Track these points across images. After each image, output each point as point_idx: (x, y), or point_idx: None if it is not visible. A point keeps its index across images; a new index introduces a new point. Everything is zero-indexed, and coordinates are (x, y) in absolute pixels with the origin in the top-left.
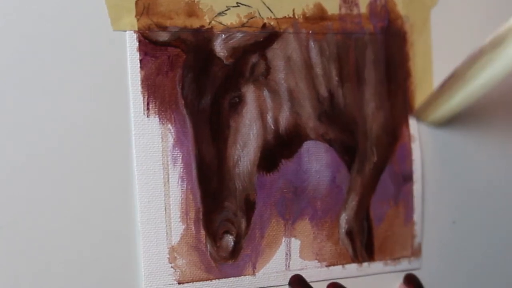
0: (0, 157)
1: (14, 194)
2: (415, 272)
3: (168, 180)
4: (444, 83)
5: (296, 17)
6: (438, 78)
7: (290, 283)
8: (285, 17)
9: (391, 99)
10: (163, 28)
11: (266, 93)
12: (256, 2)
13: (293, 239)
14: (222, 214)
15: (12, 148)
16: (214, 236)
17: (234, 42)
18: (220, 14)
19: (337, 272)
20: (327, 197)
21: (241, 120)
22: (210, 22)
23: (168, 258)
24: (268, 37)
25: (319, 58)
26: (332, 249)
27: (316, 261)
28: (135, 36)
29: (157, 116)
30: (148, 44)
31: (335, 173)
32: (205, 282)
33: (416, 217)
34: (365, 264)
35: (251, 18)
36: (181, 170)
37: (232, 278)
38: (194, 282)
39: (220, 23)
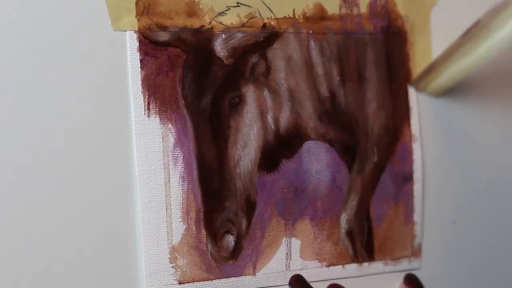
0: (0, 157)
1: (14, 194)
2: (415, 272)
3: (169, 180)
4: (447, 50)
5: (296, 17)
6: None
7: (290, 283)
8: (285, 17)
9: (392, 98)
10: (163, 28)
11: (266, 93)
12: (256, 2)
13: (293, 239)
14: (223, 214)
15: (12, 148)
16: (215, 236)
17: (234, 42)
18: (220, 14)
19: (337, 272)
20: (327, 197)
21: (241, 120)
22: (210, 22)
23: (169, 258)
24: (268, 37)
25: (320, 58)
26: (332, 249)
27: (316, 261)
28: (135, 36)
29: (158, 116)
30: (148, 44)
31: (336, 173)
32: (205, 282)
33: (416, 217)
34: (365, 264)
35: (251, 18)
36: (182, 170)
37: (233, 278)
38: (195, 282)
39: (220, 23)
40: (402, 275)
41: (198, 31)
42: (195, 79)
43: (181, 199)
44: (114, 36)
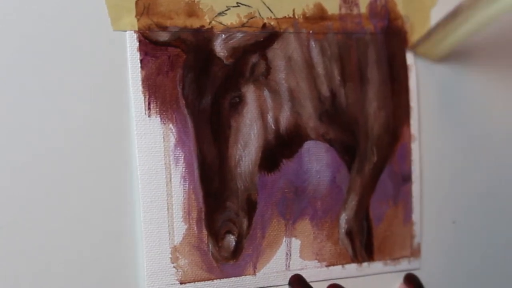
0: (0, 157)
1: (14, 194)
2: (415, 272)
3: (170, 180)
4: (448, 14)
5: (296, 17)
6: None
7: (290, 283)
8: (285, 17)
9: (393, 98)
10: (163, 28)
11: (266, 93)
12: (256, 2)
13: (293, 239)
14: (224, 214)
15: (12, 149)
16: (216, 236)
17: (234, 42)
18: (220, 14)
19: (336, 272)
20: (327, 197)
21: (241, 120)
22: (210, 22)
23: (171, 258)
24: (268, 37)
25: (320, 58)
26: (332, 249)
27: (316, 261)
28: (135, 36)
29: (159, 116)
30: (149, 44)
31: (335, 173)
32: (206, 282)
33: (415, 217)
34: (365, 264)
35: (251, 18)
36: (183, 170)
37: (233, 278)
38: (196, 282)
39: (220, 23)
40: (402, 275)
41: (198, 31)
42: (195, 79)
43: (183, 199)
44: (114, 36)
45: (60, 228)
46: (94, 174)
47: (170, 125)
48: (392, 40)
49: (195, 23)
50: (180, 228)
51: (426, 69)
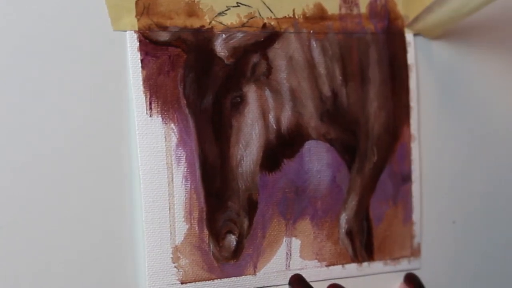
0: (0, 157)
1: (14, 194)
2: (415, 272)
3: (172, 180)
4: None
5: (296, 17)
6: None
7: (290, 283)
8: (285, 17)
9: (393, 98)
10: (164, 28)
11: (267, 92)
12: (256, 2)
13: (293, 238)
14: (225, 214)
15: (14, 149)
16: (217, 236)
17: (234, 42)
18: (220, 14)
19: (337, 272)
20: (328, 197)
21: (243, 120)
22: (210, 22)
23: (172, 258)
24: (269, 36)
25: (322, 58)
26: (332, 249)
27: (316, 260)
28: (135, 36)
29: (160, 115)
30: (149, 44)
31: (336, 172)
32: (207, 282)
33: (415, 217)
34: (365, 264)
35: (251, 18)
36: (185, 170)
37: (234, 278)
38: (197, 282)
39: (221, 23)
40: (402, 275)
41: (198, 31)
42: (196, 78)
43: (184, 199)
44: (114, 36)
45: (61, 228)
46: (96, 174)
47: (172, 124)
48: (392, 40)
49: (195, 23)
50: (181, 228)
51: (426, 68)
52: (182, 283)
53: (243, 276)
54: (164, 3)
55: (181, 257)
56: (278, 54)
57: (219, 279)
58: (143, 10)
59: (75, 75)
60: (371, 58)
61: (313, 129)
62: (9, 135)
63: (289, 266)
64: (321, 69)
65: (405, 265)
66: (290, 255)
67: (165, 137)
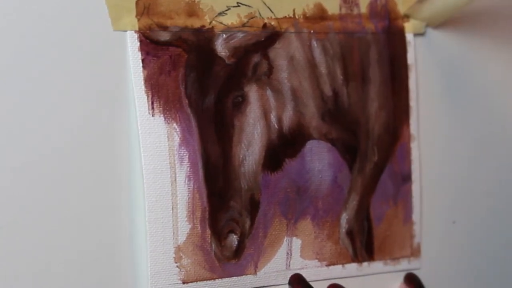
0: (0, 157)
1: (14, 194)
2: (415, 272)
3: (175, 179)
4: None
5: (297, 17)
6: None
7: (290, 282)
8: (285, 17)
9: (393, 98)
10: (164, 28)
11: (269, 92)
12: (257, 2)
13: (294, 238)
14: (228, 213)
15: (15, 149)
16: (219, 235)
17: (235, 42)
18: (220, 14)
19: (337, 272)
20: (329, 197)
21: (245, 120)
22: (210, 22)
23: (174, 257)
24: (269, 36)
25: (323, 57)
26: (332, 249)
27: (316, 260)
28: (136, 36)
29: (162, 115)
30: (149, 44)
31: (337, 172)
32: (208, 282)
33: (415, 217)
34: (365, 264)
35: (252, 18)
36: (188, 169)
37: (234, 277)
38: (198, 282)
39: (221, 23)
40: (402, 275)
41: (199, 31)
42: (198, 78)
43: (187, 199)
44: (114, 36)
45: (62, 228)
46: (98, 174)
47: (174, 124)
48: (392, 40)
49: (195, 23)
50: (184, 227)
51: (426, 68)
52: (183, 282)
53: (243, 276)
54: (165, 3)
55: (183, 256)
56: (279, 54)
57: (220, 279)
58: (143, 10)
59: (75, 76)
60: (371, 58)
61: (315, 129)
62: (9, 135)
63: (289, 265)
64: (322, 69)
65: (405, 265)
66: (291, 254)
67: (167, 136)
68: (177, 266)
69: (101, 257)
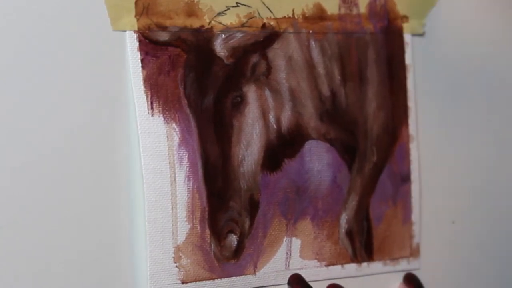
0: (0, 157)
1: (14, 194)
2: (414, 272)
3: (175, 179)
4: None
5: (296, 17)
6: None
7: (289, 282)
8: (284, 17)
9: (392, 98)
10: (163, 28)
11: (267, 92)
12: (256, 2)
13: (294, 238)
14: (227, 213)
15: (14, 149)
16: (218, 235)
17: (234, 42)
18: (219, 14)
19: (336, 272)
20: (328, 197)
21: (244, 120)
22: (210, 22)
23: (173, 257)
24: (268, 36)
25: (321, 58)
26: (332, 249)
27: (316, 260)
28: (135, 36)
29: (162, 115)
30: (149, 44)
31: (336, 173)
32: (207, 282)
33: (414, 217)
34: (364, 264)
35: (251, 18)
36: (187, 169)
37: (234, 277)
38: (197, 282)
39: (220, 23)
40: (401, 275)
41: (198, 31)
42: (197, 78)
43: (187, 199)
44: (114, 36)
45: (62, 228)
46: (97, 174)
47: (173, 124)
48: (391, 40)
49: (194, 23)
50: (183, 227)
51: (424, 68)
52: (183, 282)
53: (243, 276)
54: (164, 3)
55: (183, 256)
56: (277, 54)
57: (219, 279)
58: (142, 10)
59: (75, 76)
60: (369, 58)
61: (313, 129)
62: (9, 135)
63: (288, 266)
64: (320, 69)
65: (405, 265)
66: (290, 255)
67: (167, 136)
68: (176, 266)
69: (101, 257)
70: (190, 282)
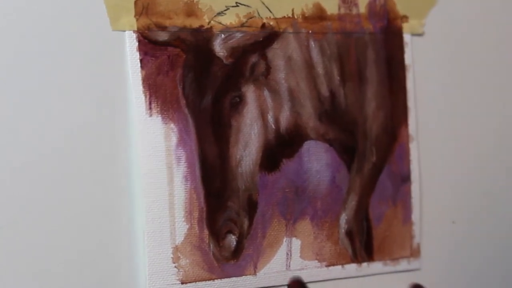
0: (0, 157)
1: (14, 194)
2: (415, 273)
3: (172, 180)
4: None
5: (295, 17)
6: None
7: (288, 286)
8: (284, 17)
9: (391, 98)
10: (163, 28)
11: (266, 92)
12: (255, 2)
13: (293, 239)
14: (225, 213)
15: (13, 149)
16: (217, 236)
17: (233, 42)
18: (219, 14)
19: (336, 272)
20: (327, 197)
21: (242, 120)
22: (209, 22)
23: (172, 258)
24: (267, 36)
25: (320, 58)
26: (332, 249)
27: (316, 261)
28: (134, 36)
29: (160, 115)
30: (148, 44)
31: (335, 173)
32: (207, 282)
33: (415, 217)
34: (365, 264)
35: (250, 18)
36: (185, 170)
37: (234, 278)
38: (197, 282)
39: (220, 23)
40: (402, 275)
41: (197, 31)
42: (196, 78)
43: (184, 199)
44: (113, 36)
45: (61, 228)
46: (96, 174)
47: (172, 124)
48: (390, 40)
49: (194, 23)
50: (181, 228)
51: (423, 68)
52: (182, 283)
53: (243, 276)
54: (163, 3)
55: (181, 257)
56: (277, 54)
57: (219, 279)
58: (142, 10)
59: (74, 75)
60: (369, 58)
61: (312, 129)
62: (9, 135)
63: (289, 266)
64: (320, 69)
65: (405, 265)
66: (290, 255)
67: (165, 136)
68: (175, 267)
69: (100, 257)
70: (190, 282)
